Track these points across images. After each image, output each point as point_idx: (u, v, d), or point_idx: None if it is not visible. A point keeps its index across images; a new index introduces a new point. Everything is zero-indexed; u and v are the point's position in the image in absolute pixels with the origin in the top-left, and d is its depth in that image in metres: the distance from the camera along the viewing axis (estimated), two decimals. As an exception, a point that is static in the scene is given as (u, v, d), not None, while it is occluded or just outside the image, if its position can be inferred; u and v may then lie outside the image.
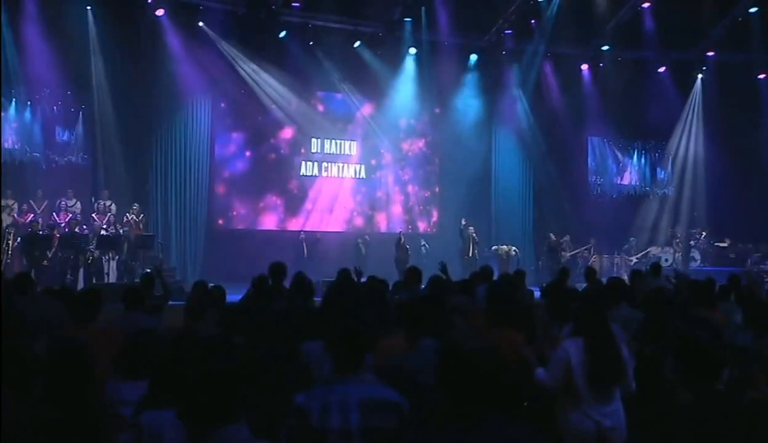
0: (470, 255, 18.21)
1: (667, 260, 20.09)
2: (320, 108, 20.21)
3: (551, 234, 19.43)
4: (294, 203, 19.93)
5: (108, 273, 14.30)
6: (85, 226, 15.04)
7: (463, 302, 5.80)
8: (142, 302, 5.67)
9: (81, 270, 13.77)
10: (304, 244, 18.16)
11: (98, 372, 3.32)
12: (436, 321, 3.99)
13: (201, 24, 17.24)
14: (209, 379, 2.00)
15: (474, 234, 18.76)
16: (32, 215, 15.17)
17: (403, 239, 18.23)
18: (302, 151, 20.08)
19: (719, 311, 6.32)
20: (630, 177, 23.35)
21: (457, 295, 6.32)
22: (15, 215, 14.97)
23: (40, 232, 13.84)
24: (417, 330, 3.95)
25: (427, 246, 19.27)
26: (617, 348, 4.29)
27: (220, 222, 19.01)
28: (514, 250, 18.91)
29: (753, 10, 19.20)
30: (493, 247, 19.14)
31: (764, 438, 2.52)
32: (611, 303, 5.81)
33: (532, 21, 19.51)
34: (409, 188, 21.33)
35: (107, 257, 14.24)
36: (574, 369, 4.26)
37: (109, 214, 15.93)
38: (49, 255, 13.41)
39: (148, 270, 10.53)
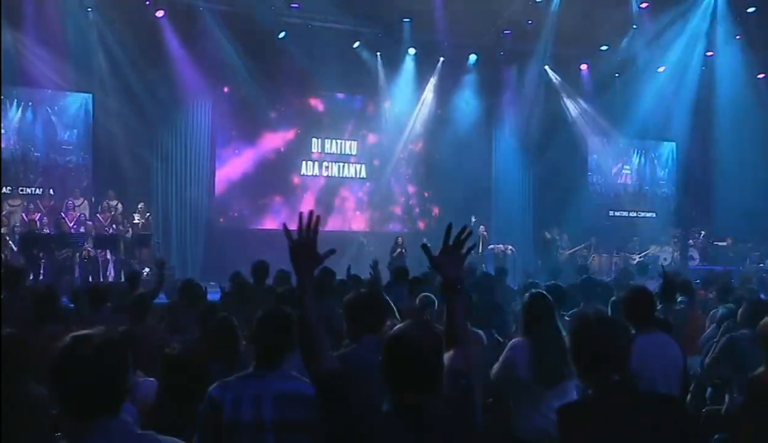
0: (480, 252, 18.30)
1: (665, 259, 20.12)
2: (320, 108, 20.30)
3: (546, 231, 19.53)
4: (294, 203, 20.04)
5: (106, 272, 14.45)
6: (82, 227, 15.17)
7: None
8: (104, 301, 5.81)
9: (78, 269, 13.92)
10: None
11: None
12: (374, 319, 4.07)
13: (201, 25, 17.32)
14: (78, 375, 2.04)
15: (485, 233, 18.86)
16: (39, 214, 15.35)
17: (401, 240, 18.24)
18: (303, 150, 20.20)
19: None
20: (630, 176, 23.41)
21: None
22: (23, 214, 15.18)
23: (38, 231, 13.99)
24: (357, 328, 4.04)
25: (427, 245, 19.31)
26: (563, 345, 4.40)
27: (221, 221, 19.12)
28: (510, 249, 18.99)
29: (751, 9, 19.27)
30: (489, 246, 19.22)
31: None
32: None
33: (532, 21, 19.52)
34: (409, 188, 21.43)
35: (105, 256, 14.37)
36: (521, 368, 4.39)
37: (114, 212, 16.08)
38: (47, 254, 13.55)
39: (135, 270, 10.66)
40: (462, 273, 2.73)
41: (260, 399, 3.26)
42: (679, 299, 7.06)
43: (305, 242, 2.64)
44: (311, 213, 2.69)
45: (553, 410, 4.28)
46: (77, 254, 14.05)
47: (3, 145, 15.52)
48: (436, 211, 21.53)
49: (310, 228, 2.66)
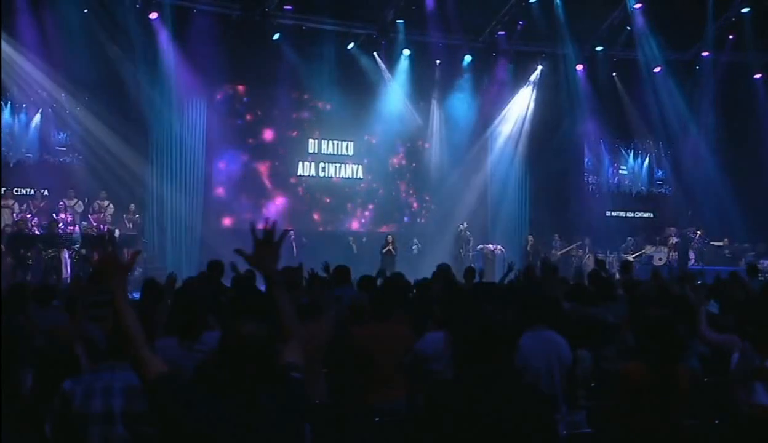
0: (463, 253, 18.42)
1: (660, 259, 20.13)
2: (316, 109, 20.38)
3: (529, 236, 19.68)
4: (291, 203, 20.18)
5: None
6: (72, 227, 15.33)
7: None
8: (51, 298, 5.98)
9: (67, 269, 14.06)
10: (294, 244, 18.37)
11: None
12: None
13: (194, 27, 17.42)
14: None
15: (468, 233, 18.98)
16: (30, 215, 15.53)
17: (391, 238, 18.33)
18: (299, 151, 20.31)
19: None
20: (626, 176, 23.41)
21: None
22: (15, 215, 15.33)
23: (27, 231, 14.15)
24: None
25: (419, 245, 19.46)
26: None
27: (216, 222, 19.22)
28: (500, 249, 19.06)
29: (746, 10, 19.27)
30: (479, 246, 19.29)
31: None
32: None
33: (525, 22, 19.55)
34: (405, 188, 21.51)
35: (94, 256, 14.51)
36: (434, 360, 4.49)
37: (105, 213, 16.23)
38: (34, 254, 13.70)
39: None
40: (273, 267, 2.85)
41: (110, 391, 3.33)
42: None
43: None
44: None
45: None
46: (66, 254, 14.18)
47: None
48: (430, 210, 21.57)
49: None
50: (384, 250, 17.78)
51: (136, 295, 7.01)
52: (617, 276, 12.58)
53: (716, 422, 3.94)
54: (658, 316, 3.64)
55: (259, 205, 19.80)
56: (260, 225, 2.93)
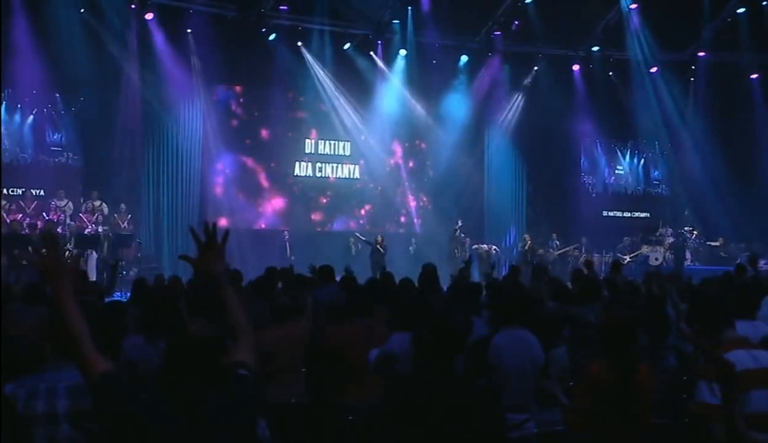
0: (458, 254, 18.46)
1: (657, 259, 20.16)
2: (313, 109, 20.36)
3: (526, 236, 19.71)
4: (288, 203, 20.22)
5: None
6: (62, 227, 15.37)
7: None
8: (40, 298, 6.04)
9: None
10: (287, 244, 18.42)
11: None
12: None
13: (190, 28, 17.47)
14: None
15: (463, 234, 19.03)
16: (21, 215, 15.58)
17: (380, 238, 18.38)
18: (296, 151, 20.36)
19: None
20: (622, 176, 23.45)
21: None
22: (5, 215, 15.39)
23: (21, 232, 14.19)
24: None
25: (415, 245, 19.52)
26: None
27: (213, 222, 19.15)
28: (495, 249, 19.12)
29: (741, 10, 19.32)
30: (473, 246, 19.34)
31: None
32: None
33: (521, 22, 19.60)
34: (401, 188, 21.52)
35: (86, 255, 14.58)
36: (401, 360, 4.55)
37: (98, 214, 16.27)
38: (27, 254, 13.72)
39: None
40: (224, 267, 2.89)
41: (55, 392, 3.37)
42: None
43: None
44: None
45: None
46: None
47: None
48: (427, 210, 21.60)
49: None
50: (373, 249, 17.84)
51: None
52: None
53: (686, 421, 3.98)
54: (617, 316, 3.68)
55: (255, 205, 19.84)
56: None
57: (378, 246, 17.81)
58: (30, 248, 13.64)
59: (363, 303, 5.20)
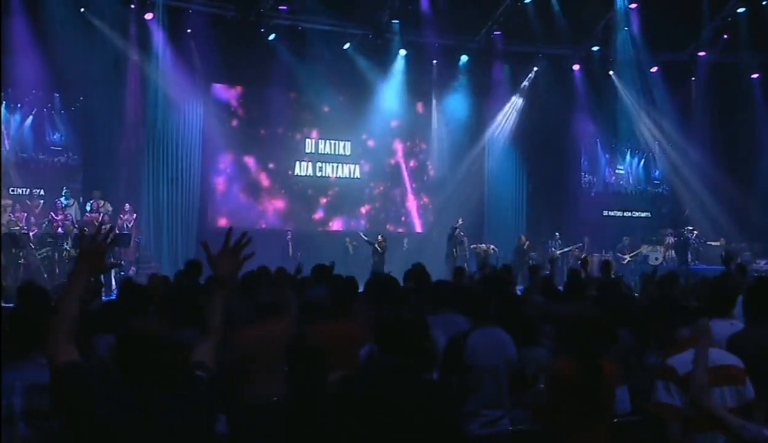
0: (457, 253, 18.51)
1: (657, 258, 20.16)
2: (313, 109, 20.39)
3: (522, 236, 19.74)
4: (288, 203, 20.27)
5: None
6: (65, 226, 15.45)
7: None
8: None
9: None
10: (290, 244, 18.47)
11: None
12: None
13: (190, 28, 17.52)
14: None
15: (462, 233, 19.08)
16: (25, 215, 15.66)
17: (381, 238, 18.39)
18: (296, 151, 20.41)
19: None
20: (623, 176, 23.44)
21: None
22: (10, 215, 15.44)
23: (21, 231, 14.25)
24: None
25: (414, 245, 19.58)
26: None
27: (212, 221, 19.31)
28: (493, 249, 19.14)
29: (741, 10, 19.31)
30: (471, 246, 19.37)
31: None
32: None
33: (521, 22, 19.60)
34: (401, 188, 21.57)
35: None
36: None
37: (102, 213, 16.33)
38: (26, 254, 13.82)
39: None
40: (237, 272, 2.98)
41: (12, 390, 3.38)
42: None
43: (96, 248, 2.83)
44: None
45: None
46: (58, 254, 14.30)
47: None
48: (428, 210, 21.64)
49: (101, 236, 2.87)
50: (372, 249, 17.90)
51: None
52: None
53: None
54: (578, 314, 3.72)
55: (256, 204, 19.89)
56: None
57: (377, 246, 17.86)
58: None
59: (342, 302, 5.23)
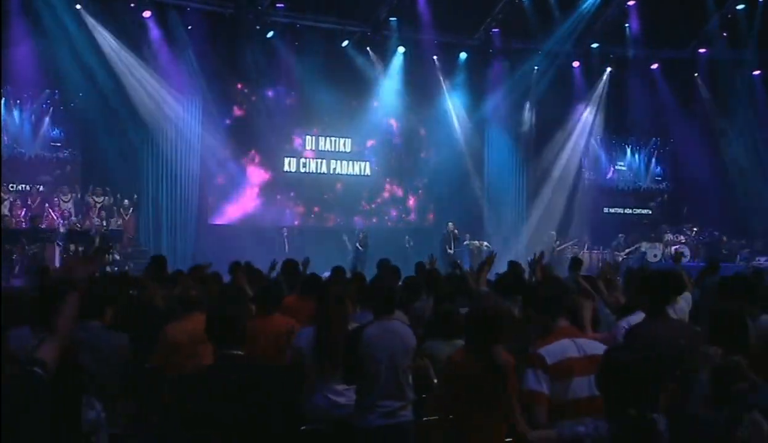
0: (452, 249, 18.65)
1: (656, 255, 20.15)
2: (312, 107, 20.44)
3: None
4: (287, 200, 20.41)
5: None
6: (64, 222, 15.66)
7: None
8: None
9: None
10: (286, 240, 18.63)
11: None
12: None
13: (188, 25, 17.63)
14: None
15: (455, 230, 19.21)
16: (24, 210, 15.90)
17: (362, 235, 18.56)
18: (296, 148, 20.55)
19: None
20: (623, 173, 23.42)
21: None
22: (7, 211, 15.69)
23: (14, 226, 14.46)
24: None
25: (410, 242, 19.66)
26: (340, 335, 4.66)
27: (210, 219, 19.46)
28: (486, 245, 19.21)
29: (741, 7, 19.26)
30: (465, 242, 19.46)
31: None
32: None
33: (520, 19, 19.60)
34: (401, 185, 21.68)
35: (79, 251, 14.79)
36: (306, 354, 4.74)
37: (99, 209, 16.53)
38: (18, 248, 14.01)
39: None
40: (85, 276, 3.13)
41: None
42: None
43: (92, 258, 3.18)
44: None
45: (334, 392, 4.70)
46: (57, 250, 14.48)
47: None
48: (427, 207, 21.74)
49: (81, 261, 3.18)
50: (355, 245, 18.11)
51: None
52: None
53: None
54: (479, 308, 3.90)
55: (255, 202, 20.02)
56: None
57: (357, 244, 18.09)
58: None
59: (269, 297, 5.43)
